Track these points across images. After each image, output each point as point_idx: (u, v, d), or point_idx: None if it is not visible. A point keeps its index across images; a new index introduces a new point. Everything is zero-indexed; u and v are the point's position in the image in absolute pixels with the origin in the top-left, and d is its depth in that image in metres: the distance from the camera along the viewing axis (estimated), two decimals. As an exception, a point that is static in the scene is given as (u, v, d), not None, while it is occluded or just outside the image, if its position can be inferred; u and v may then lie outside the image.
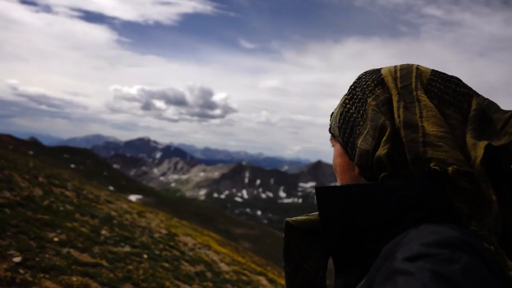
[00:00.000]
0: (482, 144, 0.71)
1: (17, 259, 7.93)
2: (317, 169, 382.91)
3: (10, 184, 14.62)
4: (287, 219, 0.95)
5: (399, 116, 0.80)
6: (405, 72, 0.88)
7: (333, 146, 1.09)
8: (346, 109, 0.96)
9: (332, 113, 1.10)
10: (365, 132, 0.87)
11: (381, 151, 0.80)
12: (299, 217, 0.93)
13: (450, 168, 0.70)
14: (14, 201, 12.43)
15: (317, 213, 0.86)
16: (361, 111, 0.90)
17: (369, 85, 0.91)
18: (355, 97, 0.94)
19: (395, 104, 0.83)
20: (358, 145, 0.88)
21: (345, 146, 0.95)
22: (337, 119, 1.00)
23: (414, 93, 0.82)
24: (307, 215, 0.93)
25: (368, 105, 0.88)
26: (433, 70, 0.88)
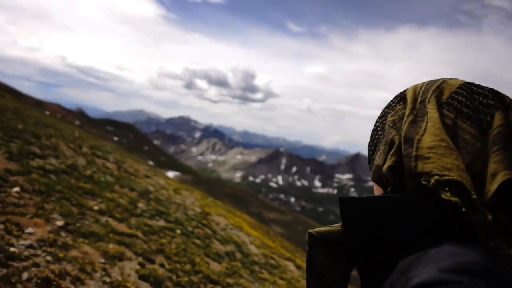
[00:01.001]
0: (501, 177, 0.68)
1: (59, 223, 8.40)
2: (355, 161, 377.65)
3: (56, 152, 15.29)
4: (310, 230, 0.91)
5: (402, 131, 0.84)
6: (428, 87, 0.89)
7: None
8: (374, 127, 1.00)
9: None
10: (382, 148, 0.91)
11: (385, 165, 0.84)
12: (321, 228, 0.91)
13: (432, 180, 0.72)
14: (59, 168, 13.03)
15: (340, 224, 0.87)
16: (383, 128, 0.94)
17: (392, 101, 0.95)
18: (382, 114, 0.98)
19: (404, 119, 0.86)
20: (374, 161, 0.94)
21: (369, 163, 1.00)
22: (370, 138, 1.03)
23: (426, 106, 0.85)
24: (330, 226, 0.91)
25: (387, 121, 0.92)
26: (465, 83, 0.87)
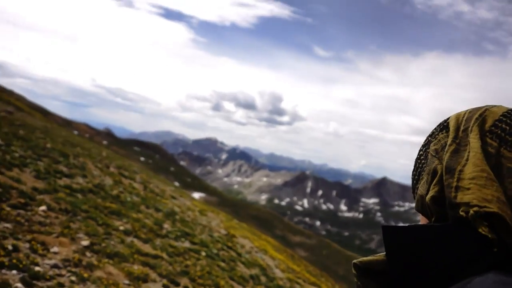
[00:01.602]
0: None
1: (85, 243, 8.36)
2: (381, 186, 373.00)
3: (84, 171, 15.45)
4: (354, 260, 0.91)
5: (444, 160, 0.81)
6: (470, 115, 0.87)
7: None
8: (418, 156, 0.96)
9: None
10: (425, 177, 0.87)
11: (428, 195, 0.81)
12: (365, 258, 0.90)
13: (471, 211, 0.70)
14: (86, 187, 13.12)
15: (384, 253, 0.85)
16: (426, 157, 0.91)
17: (436, 130, 0.93)
18: (425, 142, 0.95)
19: (446, 148, 0.83)
20: (418, 190, 0.90)
21: (413, 192, 0.95)
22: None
23: (469, 135, 0.82)
24: (374, 256, 0.90)
25: (430, 150, 0.89)
26: (509, 110, 0.85)
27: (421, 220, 0.95)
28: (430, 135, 0.95)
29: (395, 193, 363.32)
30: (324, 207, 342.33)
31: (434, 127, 0.95)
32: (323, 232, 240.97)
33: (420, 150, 0.97)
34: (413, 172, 0.97)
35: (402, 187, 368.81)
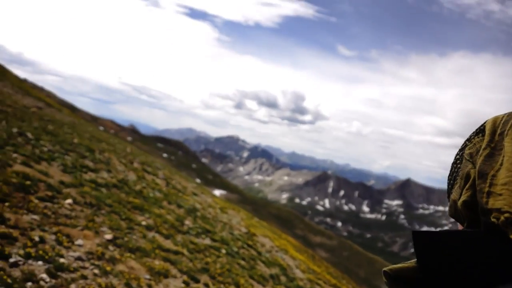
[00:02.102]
0: None
1: (108, 236, 8.52)
2: (405, 187, 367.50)
3: (108, 166, 15.71)
4: (384, 268, 0.88)
5: (477, 164, 0.80)
6: (508, 119, 0.85)
7: None
8: (454, 160, 0.95)
9: None
10: (459, 182, 0.86)
11: (460, 199, 0.80)
12: (395, 265, 0.87)
13: (502, 217, 0.70)
14: (111, 182, 13.33)
15: (414, 260, 0.83)
16: (461, 161, 0.89)
17: (472, 133, 0.91)
18: (462, 146, 0.93)
19: (480, 152, 0.82)
20: (451, 195, 0.88)
21: (448, 197, 0.94)
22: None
23: (504, 139, 0.82)
24: (404, 263, 0.86)
25: (464, 154, 0.88)
26: None
27: (459, 226, 0.92)
28: (467, 139, 0.93)
29: (419, 195, 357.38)
30: (346, 207, 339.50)
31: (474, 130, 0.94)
32: (345, 233, 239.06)
33: (456, 154, 0.96)
34: (448, 176, 0.96)
35: (427, 189, 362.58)
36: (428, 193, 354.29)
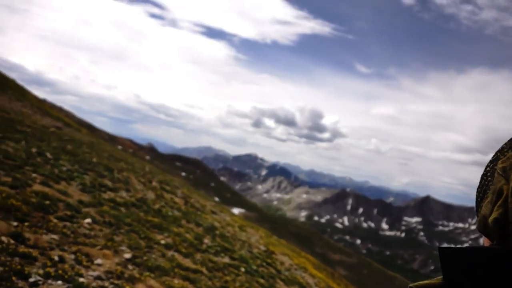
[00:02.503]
0: None
1: (127, 255, 8.50)
2: (424, 204, 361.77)
3: (127, 185, 15.79)
4: (410, 285, 0.87)
5: (511, 181, 0.78)
6: None
7: None
8: (484, 172, 0.90)
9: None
10: (490, 197, 0.84)
11: (491, 216, 0.78)
12: (421, 282, 0.85)
13: None
14: (129, 201, 13.38)
15: (441, 277, 0.82)
16: (493, 174, 0.86)
17: (504, 147, 0.87)
18: (493, 158, 0.89)
19: None
20: (481, 210, 0.85)
21: (476, 210, 0.90)
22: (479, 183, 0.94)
23: None
24: (430, 280, 0.85)
25: (497, 168, 0.85)
26: None
27: (484, 241, 0.89)
28: (499, 150, 0.89)
29: (439, 212, 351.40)
30: (365, 225, 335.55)
31: (505, 143, 0.90)
32: (364, 251, 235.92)
33: (487, 166, 0.91)
34: (477, 189, 0.91)
35: (446, 206, 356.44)
36: (448, 210, 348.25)
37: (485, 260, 0.71)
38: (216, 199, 74.70)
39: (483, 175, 0.90)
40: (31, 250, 6.62)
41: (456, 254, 0.75)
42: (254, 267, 13.62)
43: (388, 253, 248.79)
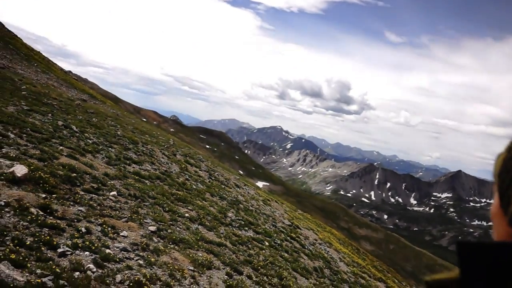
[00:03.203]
0: None
1: (152, 228, 8.62)
2: (455, 180, 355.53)
3: (152, 158, 15.95)
4: (426, 278, 0.82)
5: None
6: None
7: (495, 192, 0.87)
8: (509, 156, 0.82)
9: (499, 154, 0.88)
10: None
11: None
12: (437, 276, 0.81)
13: None
14: (154, 174, 13.52)
15: (457, 271, 0.78)
16: None
17: None
18: None
19: None
20: (510, 199, 0.78)
21: (501, 198, 0.82)
22: (499, 165, 0.84)
23: None
24: (447, 274, 0.80)
25: None
26: None
27: (494, 227, 0.79)
28: None
29: (471, 188, 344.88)
30: (392, 200, 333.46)
31: None
32: (391, 226, 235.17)
33: (509, 149, 0.83)
34: (501, 173, 0.82)
35: (479, 181, 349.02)
36: (480, 186, 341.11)
37: (506, 257, 0.66)
38: (241, 172, 75.17)
39: (508, 160, 0.82)
40: (59, 221, 6.76)
41: (476, 250, 0.69)
42: (278, 241, 13.70)
43: (416, 229, 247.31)
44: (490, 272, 0.67)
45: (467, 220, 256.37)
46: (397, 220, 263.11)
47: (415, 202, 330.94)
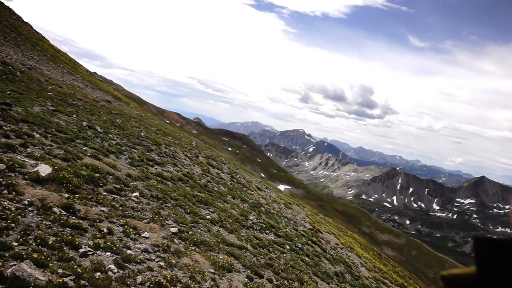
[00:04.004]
0: None
1: (173, 230, 8.62)
2: (479, 185, 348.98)
3: (174, 160, 16.01)
4: (442, 272, 0.80)
5: None
6: None
7: None
8: None
9: None
10: None
11: None
12: (454, 270, 0.79)
13: None
14: (176, 176, 13.56)
15: (474, 267, 0.75)
16: None
17: None
18: None
19: None
20: None
21: None
22: None
23: None
24: (464, 269, 0.78)
25: None
26: None
27: None
28: None
29: (495, 194, 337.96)
30: (414, 205, 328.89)
31: None
32: (413, 232, 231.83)
33: None
34: None
35: (503, 188, 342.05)
36: (504, 192, 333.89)
37: None
38: (262, 175, 75.09)
39: None
40: (81, 221, 6.80)
41: (493, 245, 0.67)
42: (299, 245, 13.59)
43: (438, 234, 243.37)
44: (506, 269, 0.65)
45: (491, 227, 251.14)
46: (419, 226, 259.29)
47: (437, 207, 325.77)
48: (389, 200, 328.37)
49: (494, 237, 0.71)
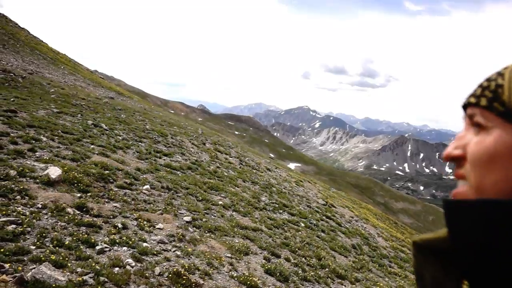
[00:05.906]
0: None
1: (187, 218, 8.70)
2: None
3: (182, 149, 16.08)
4: (414, 238, 0.79)
5: None
6: None
7: (483, 125, 0.68)
8: None
9: (501, 73, 0.68)
10: None
11: None
12: (426, 235, 0.78)
13: None
14: (185, 165, 13.63)
15: (446, 230, 0.72)
16: None
17: None
18: None
19: None
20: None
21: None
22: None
23: None
24: (435, 233, 0.77)
25: None
26: None
27: (485, 169, 0.66)
28: None
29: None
30: (427, 170, 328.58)
31: None
32: (428, 197, 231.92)
33: None
34: None
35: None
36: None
37: (494, 214, 0.60)
38: (271, 155, 75.19)
39: None
40: (95, 219, 6.88)
41: (463, 208, 0.64)
42: (314, 222, 13.66)
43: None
44: (478, 231, 0.62)
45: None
46: (434, 191, 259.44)
47: (450, 170, 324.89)
48: (400, 168, 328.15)
49: (462, 199, 0.69)
